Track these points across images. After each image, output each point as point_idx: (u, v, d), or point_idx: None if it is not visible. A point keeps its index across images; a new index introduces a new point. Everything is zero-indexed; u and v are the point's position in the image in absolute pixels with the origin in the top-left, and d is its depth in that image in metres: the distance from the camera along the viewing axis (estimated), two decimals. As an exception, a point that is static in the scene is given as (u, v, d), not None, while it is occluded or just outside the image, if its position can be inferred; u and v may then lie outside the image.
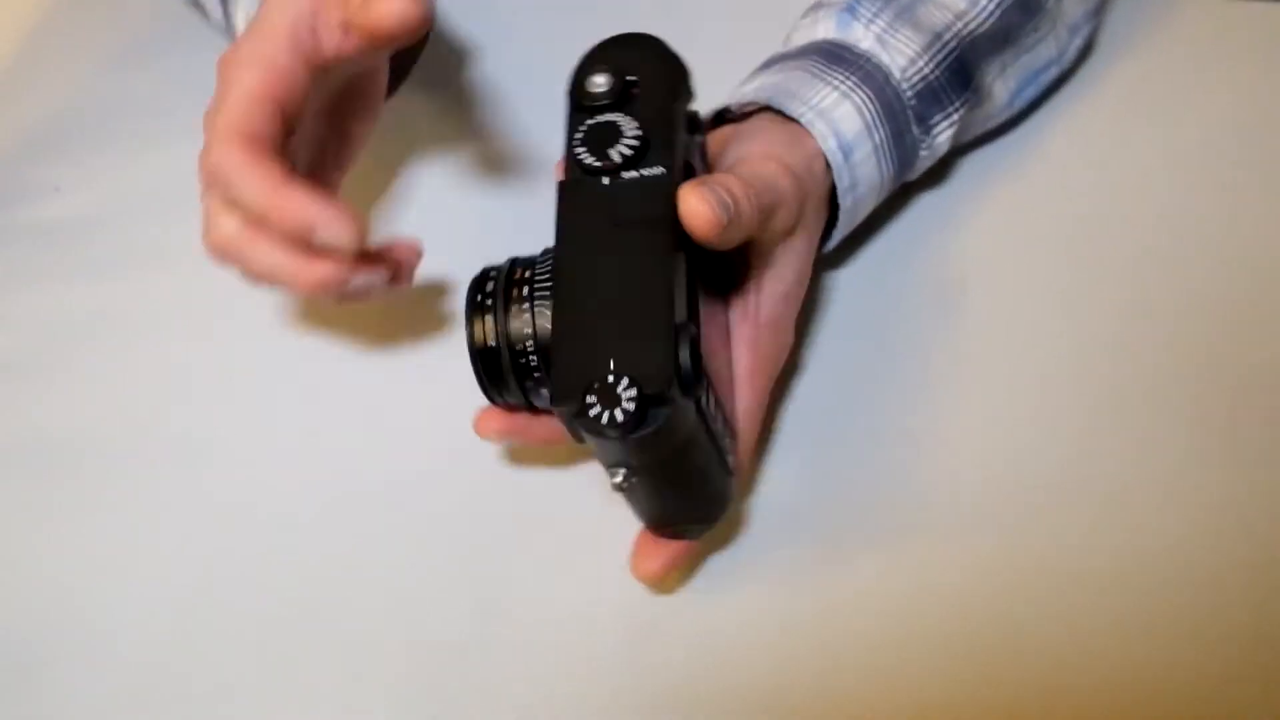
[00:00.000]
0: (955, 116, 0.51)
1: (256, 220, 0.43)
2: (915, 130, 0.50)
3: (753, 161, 0.45)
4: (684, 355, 0.37)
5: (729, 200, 0.40)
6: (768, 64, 0.52)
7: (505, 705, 0.46)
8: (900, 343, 0.53)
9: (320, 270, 0.43)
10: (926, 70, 0.50)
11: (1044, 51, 0.54)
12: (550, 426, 0.46)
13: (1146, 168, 0.56)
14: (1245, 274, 0.53)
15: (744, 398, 0.45)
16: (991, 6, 0.51)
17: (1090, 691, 0.45)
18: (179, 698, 0.46)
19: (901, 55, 0.50)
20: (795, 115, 0.48)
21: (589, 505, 0.49)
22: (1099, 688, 0.45)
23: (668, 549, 0.45)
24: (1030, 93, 0.56)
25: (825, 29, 0.52)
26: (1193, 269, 0.53)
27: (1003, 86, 0.53)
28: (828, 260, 0.54)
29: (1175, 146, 0.57)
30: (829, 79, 0.49)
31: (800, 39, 0.53)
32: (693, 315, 0.40)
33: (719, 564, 0.48)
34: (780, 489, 0.50)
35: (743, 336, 0.46)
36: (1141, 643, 0.45)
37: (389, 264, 0.47)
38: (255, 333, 0.55)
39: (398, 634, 0.47)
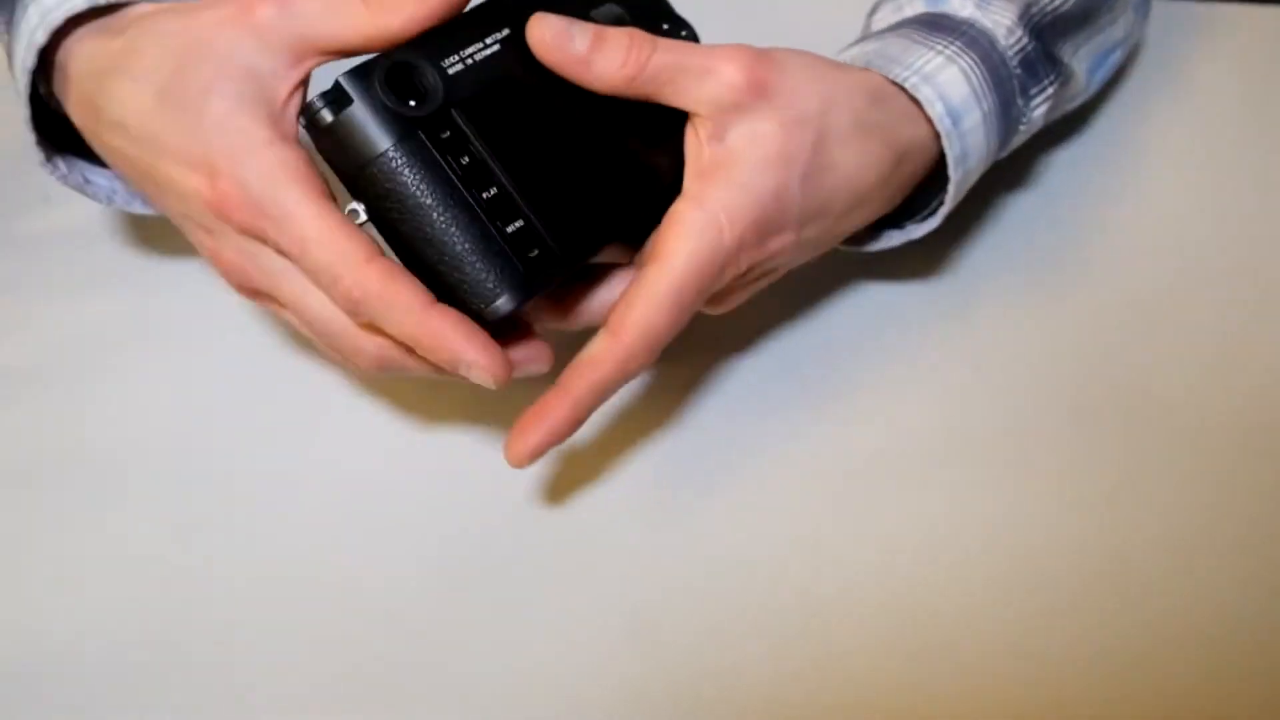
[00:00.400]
0: (1049, 91, 0.49)
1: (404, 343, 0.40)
2: (1019, 101, 0.48)
3: None
4: (380, 68, 0.38)
5: (586, 35, 0.41)
6: (852, 45, 0.50)
7: (505, 706, 0.45)
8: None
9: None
10: (1024, 40, 0.48)
11: (1114, 33, 0.53)
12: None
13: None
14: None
15: (646, 282, 0.42)
16: None
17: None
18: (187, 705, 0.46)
19: (1000, 24, 0.47)
20: (899, 80, 0.45)
21: (590, 506, 0.49)
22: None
23: (540, 429, 0.42)
24: (1101, 75, 0.54)
25: (915, 7, 0.49)
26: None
27: (1078, 66, 0.51)
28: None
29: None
30: (931, 44, 0.46)
31: (887, 23, 0.50)
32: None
33: (717, 561, 0.48)
34: (782, 487, 0.50)
35: (690, 190, 0.42)
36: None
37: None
38: (254, 345, 0.54)
39: (398, 635, 0.47)
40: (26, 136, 0.45)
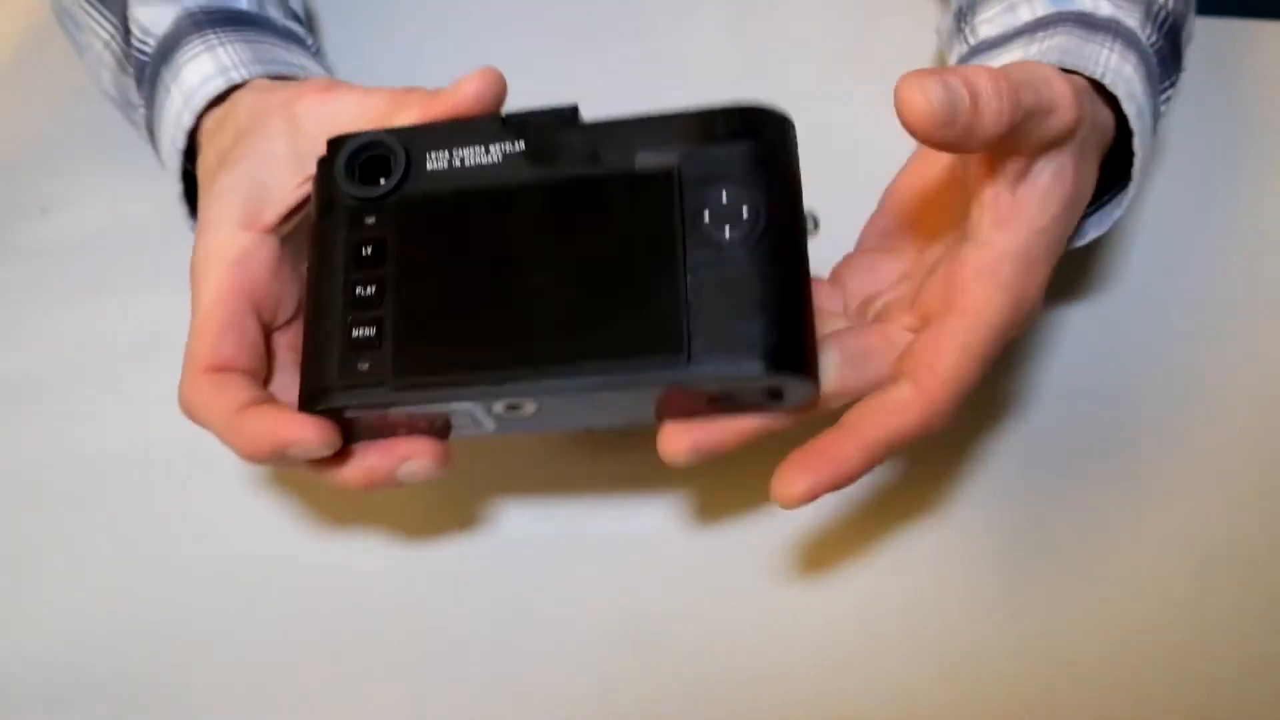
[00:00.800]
0: (1170, 92, 0.46)
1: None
2: (1158, 99, 0.44)
3: (1019, 65, 0.37)
4: (355, 142, 0.39)
5: (962, 94, 0.33)
6: (978, 50, 0.46)
7: (505, 706, 0.45)
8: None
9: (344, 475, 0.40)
10: (1155, 39, 0.45)
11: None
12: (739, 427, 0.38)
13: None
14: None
15: (956, 333, 0.38)
16: None
17: None
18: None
19: (1135, 21, 0.44)
20: (1097, 77, 0.41)
21: (590, 507, 0.49)
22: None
23: (821, 470, 0.37)
24: None
25: (1036, 9, 0.45)
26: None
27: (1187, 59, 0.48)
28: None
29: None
30: (1099, 42, 0.42)
31: (999, 25, 0.46)
32: None
33: (717, 565, 0.48)
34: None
35: (975, 265, 0.38)
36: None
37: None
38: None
39: (397, 636, 0.47)
40: (178, 210, 0.46)
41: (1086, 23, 0.44)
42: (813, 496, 0.37)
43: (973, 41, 0.47)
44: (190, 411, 0.40)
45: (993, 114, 0.34)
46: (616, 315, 0.36)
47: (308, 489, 0.50)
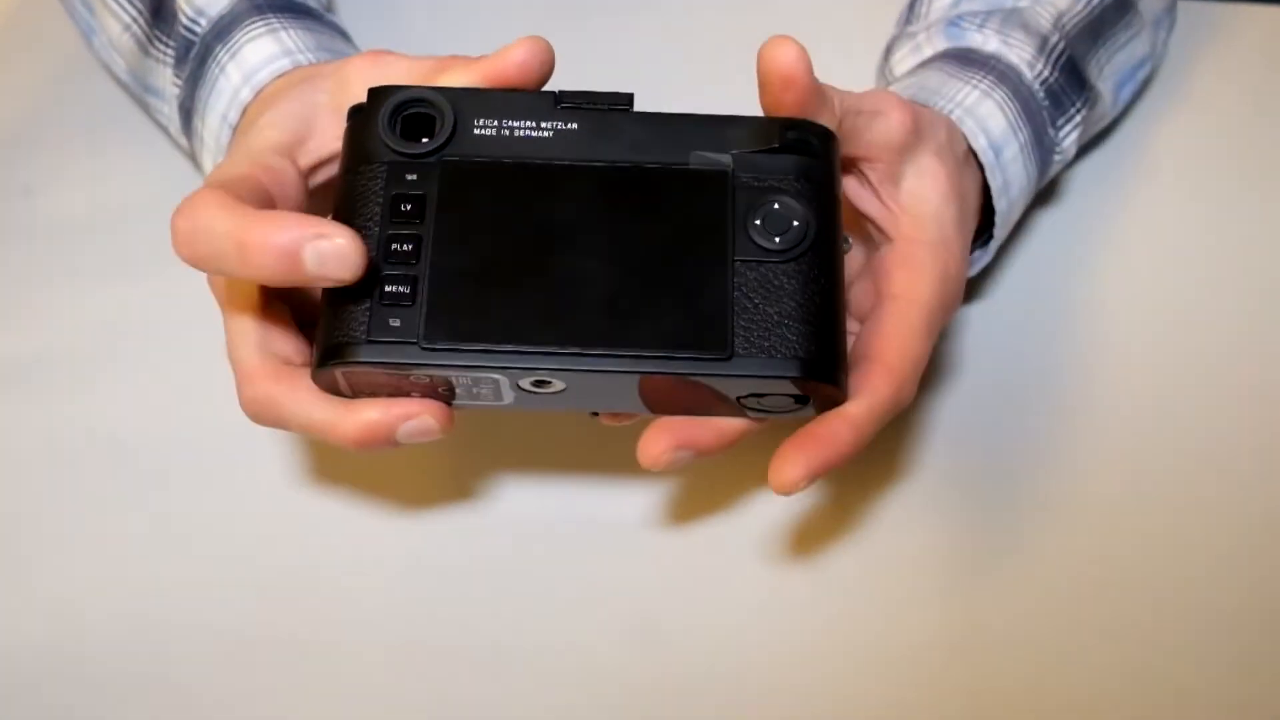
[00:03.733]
0: (1078, 119, 0.50)
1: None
2: (1050, 132, 0.49)
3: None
4: (397, 97, 0.38)
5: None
6: (889, 83, 0.50)
7: (505, 706, 0.45)
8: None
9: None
10: (1045, 73, 0.48)
11: (1138, 49, 0.53)
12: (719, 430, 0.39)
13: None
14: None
15: (894, 315, 0.41)
16: (1094, 1, 0.50)
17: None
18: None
19: (1022, 58, 0.48)
20: (945, 112, 0.46)
21: (589, 507, 0.49)
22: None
23: (818, 454, 0.38)
24: (1128, 91, 0.54)
25: (935, 46, 0.50)
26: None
27: (1104, 86, 0.51)
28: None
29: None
30: (966, 79, 0.47)
31: (907, 64, 0.51)
32: None
33: (712, 553, 0.48)
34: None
35: (888, 260, 0.42)
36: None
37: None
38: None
39: (396, 637, 0.47)
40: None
41: (965, 59, 0.48)
42: (810, 479, 0.38)
43: (890, 79, 0.51)
44: (180, 228, 0.36)
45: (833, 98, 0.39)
46: (661, 305, 0.36)
47: (298, 473, 0.50)
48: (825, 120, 0.39)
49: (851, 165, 0.42)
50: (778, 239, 0.37)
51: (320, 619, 0.47)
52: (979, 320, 0.53)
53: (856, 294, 0.43)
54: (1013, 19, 0.49)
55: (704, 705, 0.46)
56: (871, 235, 0.44)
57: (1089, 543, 0.48)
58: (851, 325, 0.42)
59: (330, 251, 0.34)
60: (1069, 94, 0.49)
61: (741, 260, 0.37)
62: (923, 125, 0.42)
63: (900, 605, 0.47)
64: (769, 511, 0.49)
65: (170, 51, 0.48)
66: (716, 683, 0.46)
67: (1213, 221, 0.56)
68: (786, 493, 0.38)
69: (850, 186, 0.42)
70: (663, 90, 0.42)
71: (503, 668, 0.46)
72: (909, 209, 0.42)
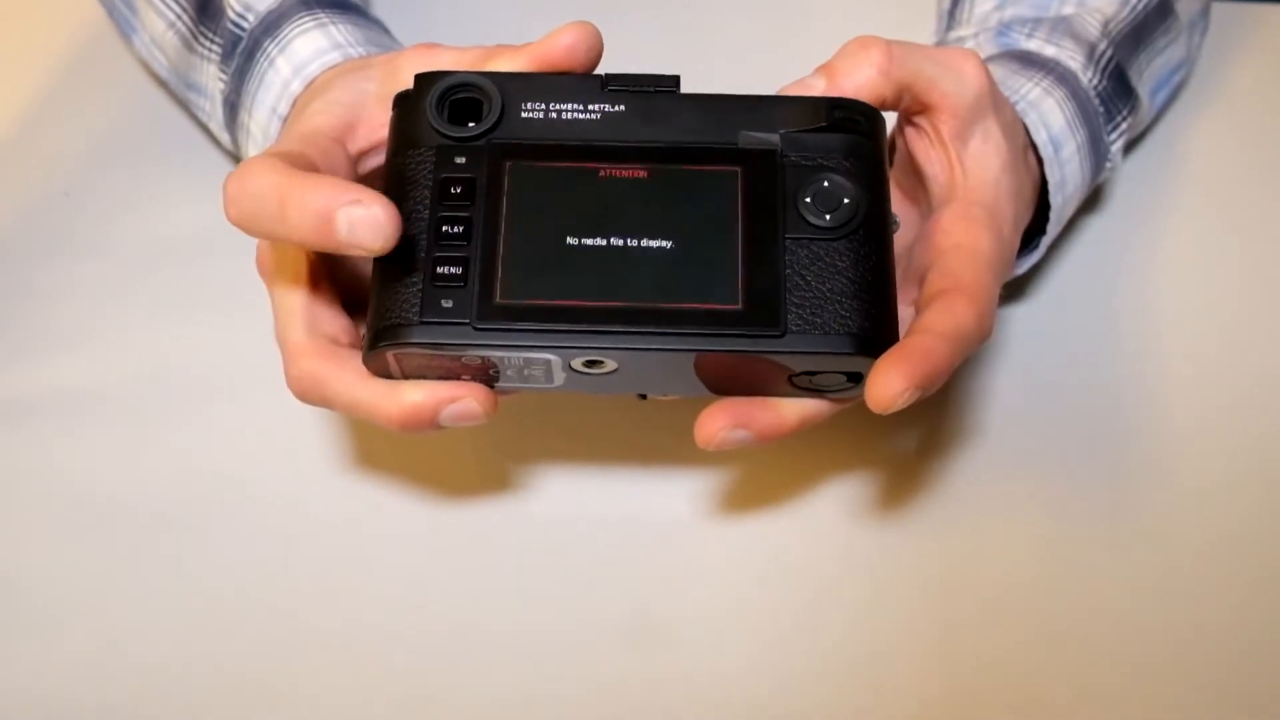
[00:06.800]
0: (1124, 126, 0.50)
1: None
2: (1104, 137, 0.49)
3: None
4: (445, 81, 0.39)
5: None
6: None
7: (504, 706, 0.45)
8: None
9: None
10: (1096, 79, 0.49)
11: (1175, 53, 0.53)
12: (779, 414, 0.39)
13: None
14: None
15: (960, 258, 0.40)
16: (1138, 6, 0.50)
17: None
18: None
19: (1076, 62, 0.48)
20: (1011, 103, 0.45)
21: (590, 507, 0.49)
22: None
23: (917, 370, 0.36)
24: (1163, 96, 0.54)
25: (986, 51, 0.50)
26: None
27: (1143, 91, 0.51)
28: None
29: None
30: (1028, 76, 0.47)
31: None
32: None
33: (716, 563, 0.48)
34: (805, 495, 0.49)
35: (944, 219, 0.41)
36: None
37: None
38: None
39: (395, 635, 0.47)
40: None
41: (1026, 59, 0.48)
42: (913, 392, 0.36)
43: None
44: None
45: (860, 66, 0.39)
46: (713, 284, 0.37)
47: (300, 490, 0.50)
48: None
49: (921, 115, 0.42)
50: (828, 216, 0.38)
51: (309, 618, 0.47)
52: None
53: (916, 255, 0.42)
54: (1060, 27, 0.49)
55: (736, 703, 0.45)
56: (927, 197, 0.43)
57: (1132, 558, 0.48)
58: (903, 311, 0.41)
59: (362, 219, 0.34)
60: (1117, 101, 0.49)
61: (792, 238, 0.37)
62: (997, 93, 0.42)
63: (917, 615, 0.47)
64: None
65: (216, 47, 0.48)
66: (749, 679, 0.46)
67: (1251, 225, 0.56)
68: (887, 408, 0.36)
69: (915, 141, 0.42)
70: (704, 76, 0.43)
71: (540, 658, 0.46)
72: (970, 172, 0.42)
